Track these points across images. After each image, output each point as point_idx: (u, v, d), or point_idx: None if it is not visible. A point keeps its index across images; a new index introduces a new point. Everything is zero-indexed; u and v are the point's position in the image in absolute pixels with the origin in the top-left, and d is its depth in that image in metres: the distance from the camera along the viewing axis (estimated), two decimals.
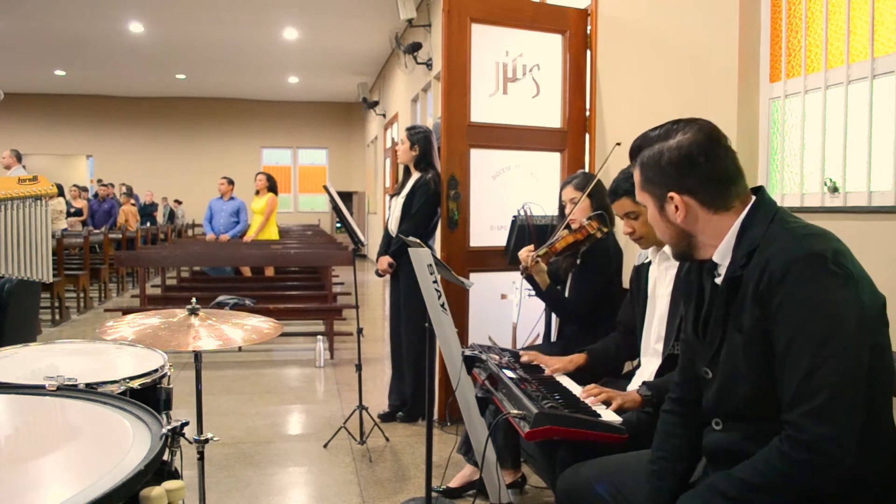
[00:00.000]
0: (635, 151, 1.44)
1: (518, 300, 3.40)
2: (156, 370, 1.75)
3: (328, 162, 17.40)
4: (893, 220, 2.14)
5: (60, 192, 9.70)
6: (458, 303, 3.52)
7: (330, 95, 15.99)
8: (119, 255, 6.68)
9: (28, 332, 3.50)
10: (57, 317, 6.94)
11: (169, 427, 1.24)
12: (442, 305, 2.25)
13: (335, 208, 3.63)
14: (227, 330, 1.91)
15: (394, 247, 3.77)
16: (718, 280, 1.39)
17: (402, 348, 3.84)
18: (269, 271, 7.85)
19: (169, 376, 1.79)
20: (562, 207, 2.95)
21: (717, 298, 1.38)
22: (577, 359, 2.37)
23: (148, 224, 12.95)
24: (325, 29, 10.19)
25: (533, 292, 2.97)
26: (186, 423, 1.38)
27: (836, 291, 1.20)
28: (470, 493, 2.80)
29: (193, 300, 2.01)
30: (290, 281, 7.54)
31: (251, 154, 16.65)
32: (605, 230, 2.69)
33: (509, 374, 2.15)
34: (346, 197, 15.61)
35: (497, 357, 2.36)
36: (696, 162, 1.35)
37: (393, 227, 3.83)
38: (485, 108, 3.71)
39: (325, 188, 3.67)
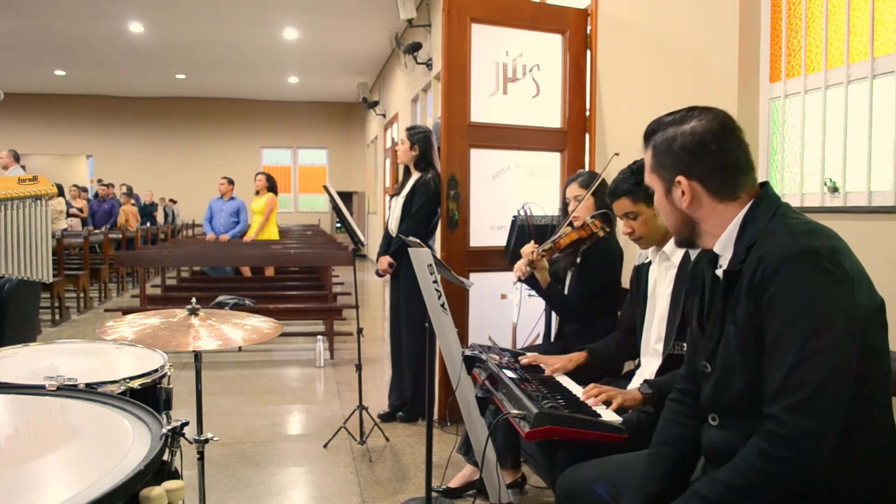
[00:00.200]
0: (649, 135, 1.45)
1: (518, 300, 3.40)
2: (156, 370, 1.75)
3: (328, 162, 17.40)
4: (893, 220, 2.14)
5: (60, 192, 9.70)
6: (458, 303, 3.52)
7: (330, 95, 16.00)
8: (119, 255, 6.68)
9: (28, 332, 3.50)
10: (57, 317, 6.94)
11: (169, 427, 1.24)
12: (442, 305, 2.25)
13: (335, 208, 3.63)
14: (227, 330, 1.90)
15: (394, 247, 3.77)
16: (719, 272, 1.39)
17: (402, 348, 3.84)
18: (269, 271, 7.85)
19: (169, 376, 1.79)
20: (565, 204, 2.95)
21: (716, 292, 1.38)
22: (577, 357, 2.37)
23: (148, 224, 12.95)
24: (325, 29, 10.19)
25: (533, 292, 2.97)
26: (186, 423, 1.38)
27: (828, 289, 1.20)
28: (470, 493, 2.80)
29: (193, 300, 2.01)
30: (290, 281, 7.54)
31: (251, 154, 16.65)
32: (608, 229, 2.69)
33: (509, 374, 2.15)
34: (346, 197, 15.61)
35: (497, 357, 2.36)
36: (708, 149, 1.35)
37: (393, 228, 3.83)
38: (485, 108, 3.71)
39: (325, 188, 3.68)
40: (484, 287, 3.63)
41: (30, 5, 9.02)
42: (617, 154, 2.72)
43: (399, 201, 3.82)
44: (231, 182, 7.97)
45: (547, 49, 3.85)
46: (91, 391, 1.48)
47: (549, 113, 3.87)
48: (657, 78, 3.33)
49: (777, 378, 1.21)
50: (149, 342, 1.83)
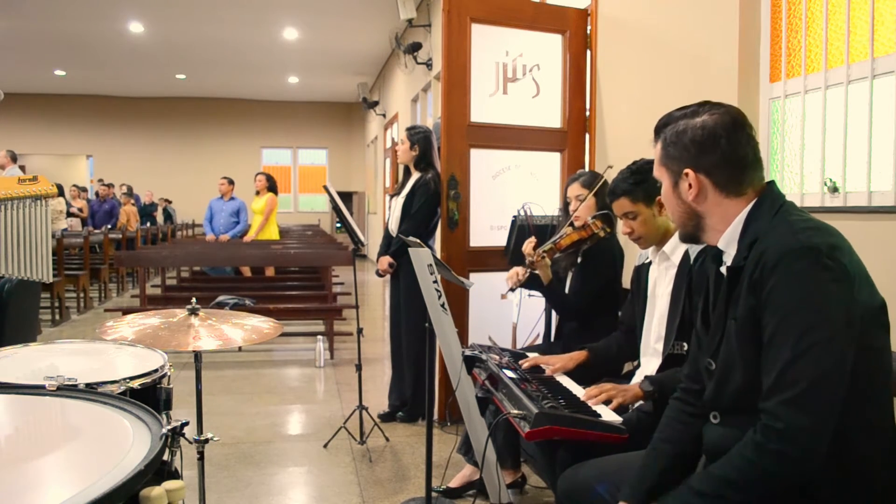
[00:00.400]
0: (660, 128, 1.45)
1: (518, 300, 3.40)
2: (156, 370, 1.75)
3: (328, 162, 17.40)
4: (893, 220, 2.14)
5: (60, 192, 9.70)
6: (458, 303, 3.52)
7: (330, 95, 15.99)
8: (119, 255, 6.68)
9: (28, 332, 3.50)
10: (57, 317, 6.94)
11: (169, 427, 1.24)
12: (442, 305, 2.25)
13: (335, 208, 3.63)
14: (227, 330, 1.91)
15: (394, 247, 3.77)
16: (723, 269, 1.39)
17: (402, 348, 3.84)
18: (269, 271, 7.85)
19: (169, 376, 1.79)
20: (566, 204, 2.95)
21: (720, 289, 1.38)
22: (578, 356, 2.37)
23: (148, 224, 12.95)
24: (325, 29, 10.19)
25: (533, 292, 2.98)
26: (186, 423, 1.38)
27: (826, 285, 1.20)
28: (470, 493, 2.80)
29: (193, 300, 2.01)
30: (290, 281, 7.54)
31: (251, 154, 16.64)
32: (609, 230, 2.69)
33: (509, 374, 2.15)
34: (346, 197, 15.60)
35: (497, 357, 2.36)
36: (717, 143, 1.36)
37: (393, 227, 3.83)
38: (485, 108, 3.71)
39: (325, 188, 3.68)
40: (484, 287, 3.63)
41: (30, 5, 9.02)
42: (611, 167, 2.73)
43: (399, 201, 3.82)
44: (231, 182, 7.98)
45: (547, 49, 3.85)
46: (91, 391, 1.48)
47: (549, 113, 3.87)
48: (657, 78, 3.33)
49: (773, 373, 1.21)
50: (149, 342, 1.83)
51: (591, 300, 2.76)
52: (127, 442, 1.16)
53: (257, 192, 7.72)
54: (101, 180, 12.89)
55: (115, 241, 9.65)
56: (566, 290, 2.89)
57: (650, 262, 2.24)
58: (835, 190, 2.44)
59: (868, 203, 2.29)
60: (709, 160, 1.37)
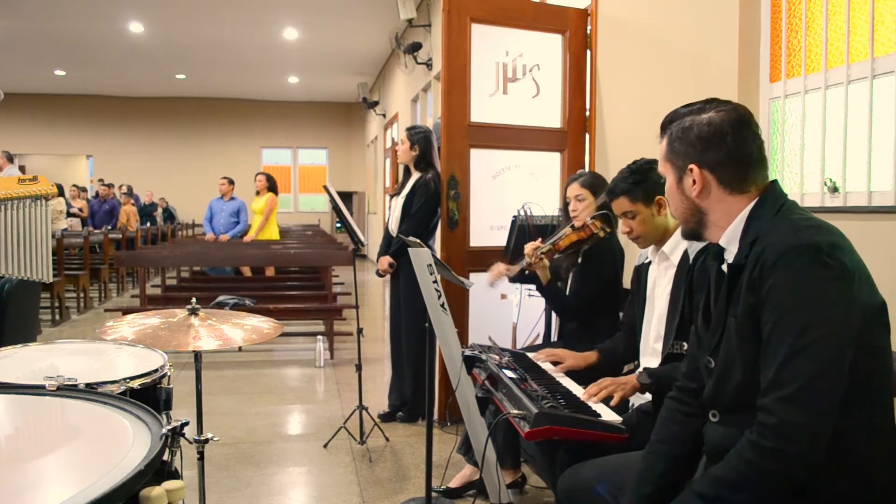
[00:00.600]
0: (666, 125, 1.46)
1: (518, 300, 3.40)
2: (156, 370, 1.75)
3: (328, 162, 17.40)
4: (893, 220, 2.14)
5: (60, 192, 9.70)
6: (458, 303, 3.52)
7: (330, 95, 15.99)
8: (119, 255, 6.68)
9: (28, 332, 3.50)
10: (57, 317, 6.94)
11: (169, 427, 1.24)
12: (442, 305, 2.25)
13: (335, 208, 3.63)
14: (227, 330, 1.90)
15: (394, 247, 3.77)
16: (724, 267, 1.39)
17: (402, 348, 3.84)
18: (270, 271, 7.85)
19: (169, 376, 1.79)
20: (566, 204, 2.95)
21: (720, 287, 1.39)
22: (589, 356, 2.37)
23: (148, 224, 12.95)
24: (325, 29, 10.19)
25: (533, 292, 2.98)
26: (186, 423, 1.38)
27: (826, 283, 1.20)
28: (470, 493, 2.80)
29: (193, 300, 2.01)
30: (290, 281, 7.54)
31: (251, 154, 16.64)
32: (609, 230, 2.69)
33: (509, 374, 2.15)
34: (346, 197, 15.60)
35: (497, 357, 2.36)
36: (723, 139, 1.36)
37: (393, 228, 3.83)
38: (485, 108, 3.71)
39: (325, 188, 3.68)
40: (484, 287, 3.62)
41: (30, 5, 9.02)
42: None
43: (399, 201, 3.82)
44: (231, 182, 7.98)
45: (547, 49, 3.85)
46: (91, 391, 1.48)
47: (549, 113, 3.87)
48: (657, 78, 3.33)
49: (771, 370, 1.21)
50: (149, 342, 1.83)
51: (591, 300, 2.75)
52: (127, 442, 1.16)
53: (257, 192, 7.72)
54: (101, 180, 12.89)
55: (115, 241, 9.65)
56: (567, 291, 2.89)
57: (650, 262, 2.24)
58: (835, 190, 2.44)
59: (868, 203, 2.29)
60: (714, 156, 1.37)
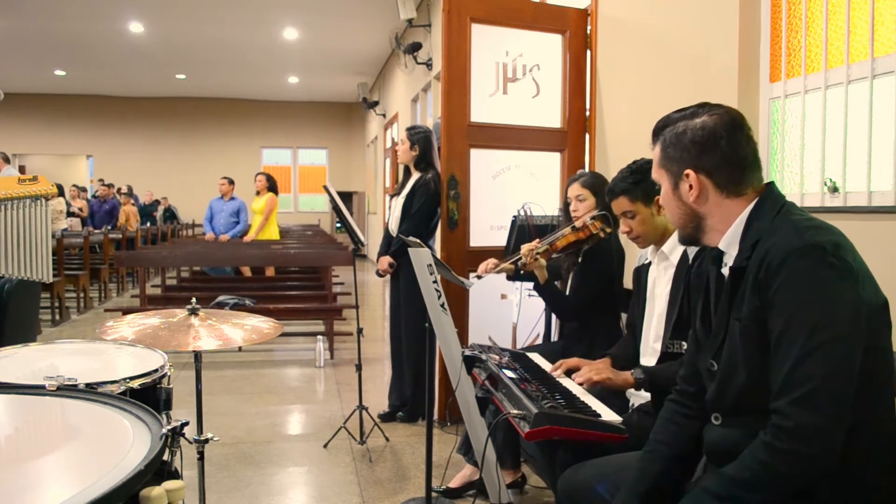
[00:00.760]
0: (658, 130, 1.45)
1: (518, 300, 3.40)
2: (156, 370, 1.75)
3: (328, 162, 17.40)
4: (893, 220, 2.14)
5: (60, 192, 9.70)
6: (458, 303, 3.52)
7: (330, 95, 15.99)
8: (119, 255, 6.68)
9: (28, 332, 3.50)
10: (57, 317, 6.94)
11: (169, 427, 1.24)
12: (442, 305, 2.25)
13: (335, 208, 3.63)
14: (227, 330, 1.91)
15: (394, 247, 3.77)
16: (724, 270, 1.39)
17: (402, 348, 3.84)
18: (269, 271, 7.85)
19: (169, 376, 1.79)
20: (567, 204, 2.95)
21: (721, 290, 1.38)
22: (608, 362, 2.35)
23: (148, 224, 12.95)
24: (325, 29, 10.19)
25: (533, 292, 2.98)
26: (186, 423, 1.38)
27: (833, 283, 1.20)
28: (470, 493, 2.80)
29: (193, 300, 2.01)
30: (290, 281, 7.54)
31: (251, 154, 16.64)
32: (609, 230, 2.68)
33: (509, 374, 2.14)
34: (346, 197, 15.60)
35: (497, 357, 2.36)
36: (717, 143, 1.36)
37: (393, 228, 3.83)
38: (485, 108, 3.71)
39: (325, 188, 3.68)
40: (484, 287, 3.63)
41: (30, 5, 9.02)
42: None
43: (399, 201, 3.82)
44: (231, 182, 7.98)
45: (547, 49, 3.85)
46: (91, 391, 1.48)
47: (549, 113, 3.87)
48: (657, 78, 3.33)
49: (782, 372, 1.21)
50: (149, 342, 1.83)
51: (589, 300, 2.75)
52: (127, 442, 1.16)
53: (257, 192, 7.72)
54: (101, 180, 12.89)
55: (115, 241, 9.65)
56: (567, 291, 2.89)
57: (650, 263, 2.24)
58: (835, 190, 2.44)
59: (868, 203, 2.29)
60: (709, 161, 1.37)
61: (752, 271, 1.28)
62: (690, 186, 1.38)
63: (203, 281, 7.61)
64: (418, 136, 3.79)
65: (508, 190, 3.78)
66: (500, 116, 3.75)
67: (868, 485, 1.27)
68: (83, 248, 8.16)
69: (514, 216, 3.41)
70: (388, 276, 3.88)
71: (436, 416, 3.62)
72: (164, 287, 7.32)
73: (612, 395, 2.15)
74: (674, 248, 2.11)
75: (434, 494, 2.71)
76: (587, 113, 3.91)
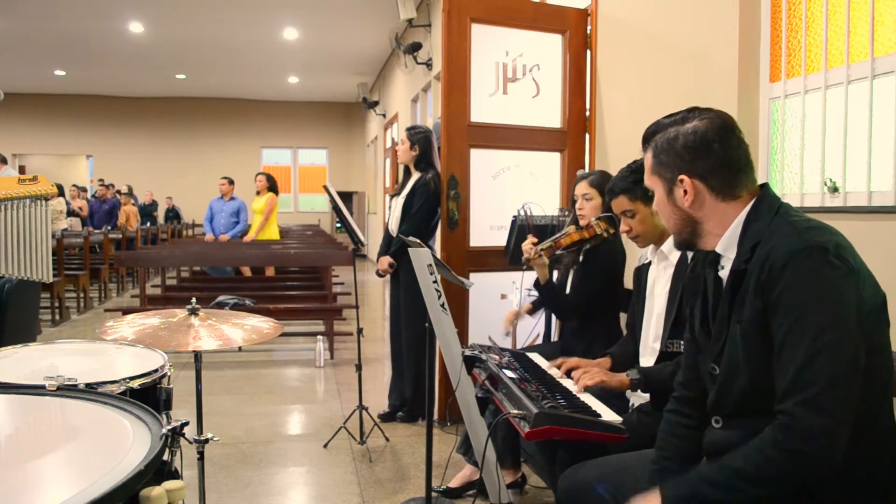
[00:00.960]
0: (648, 137, 1.45)
1: (518, 300, 3.40)
2: (156, 370, 1.75)
3: (328, 162, 17.40)
4: (893, 220, 2.14)
5: (60, 192, 9.70)
6: (458, 303, 3.52)
7: (330, 95, 15.99)
8: (119, 255, 6.68)
9: (28, 332, 3.50)
10: (57, 317, 6.94)
11: (169, 427, 1.24)
12: (442, 305, 2.25)
13: (335, 208, 3.63)
14: (227, 330, 1.91)
15: (394, 247, 3.77)
16: (722, 273, 1.39)
17: (402, 348, 3.84)
18: (270, 271, 7.85)
19: (169, 376, 1.79)
20: (573, 202, 2.95)
21: (721, 293, 1.38)
22: (604, 362, 2.35)
23: (148, 224, 12.95)
24: (325, 29, 10.19)
25: (533, 293, 2.98)
26: (186, 423, 1.38)
27: (836, 283, 1.21)
28: (470, 493, 2.80)
29: (193, 300, 2.01)
30: (290, 281, 7.54)
31: (251, 154, 16.65)
32: (612, 231, 2.68)
33: (509, 374, 2.14)
34: (346, 197, 15.61)
35: (497, 357, 2.36)
36: (710, 147, 1.35)
37: (393, 228, 3.83)
38: (485, 108, 3.71)
39: (325, 188, 3.68)
40: (484, 287, 3.63)
41: (30, 5, 9.02)
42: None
43: (399, 201, 3.82)
44: (231, 182, 7.98)
45: (547, 49, 3.85)
46: (91, 391, 1.49)
47: (549, 113, 3.87)
48: (657, 78, 3.33)
49: (789, 374, 1.20)
50: (149, 342, 1.83)
51: (589, 300, 2.75)
52: (127, 442, 1.16)
53: (258, 192, 7.72)
54: (101, 180, 12.88)
55: (115, 241, 9.65)
56: (567, 289, 2.89)
57: (650, 263, 2.24)
58: (835, 190, 2.44)
59: (868, 203, 2.29)
60: (703, 165, 1.36)
61: (753, 274, 1.28)
62: (685, 192, 1.38)
63: (203, 281, 7.60)
64: (418, 136, 3.79)
65: (508, 190, 3.78)
66: (500, 116, 3.75)
67: (867, 482, 1.27)
68: (83, 248, 8.16)
69: (514, 216, 3.40)
70: (388, 276, 3.88)
71: (436, 416, 3.62)
72: (164, 287, 7.32)
73: (612, 395, 2.15)
74: (673, 248, 2.11)
75: (434, 494, 2.71)
76: (587, 113, 3.91)
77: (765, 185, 1.39)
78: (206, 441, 2.02)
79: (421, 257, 2.28)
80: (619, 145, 3.64)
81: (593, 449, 1.80)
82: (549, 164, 3.91)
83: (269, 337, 1.94)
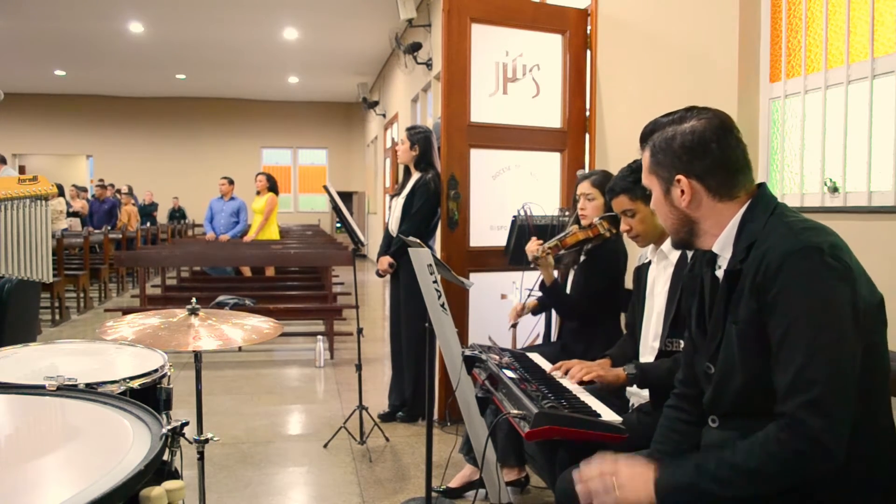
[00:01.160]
0: (646, 136, 1.45)
1: (518, 300, 3.39)
2: (156, 370, 1.74)
3: (328, 162, 17.41)
4: (893, 220, 2.14)
5: (60, 192, 9.70)
6: (458, 303, 3.52)
7: (330, 95, 15.99)
8: (119, 255, 6.69)
9: (28, 332, 3.50)
10: (57, 317, 6.94)
11: (169, 427, 1.24)
12: (442, 305, 2.25)
13: (335, 208, 3.63)
14: (227, 330, 1.90)
15: (394, 247, 3.77)
16: (719, 273, 1.39)
17: (402, 348, 3.84)
18: (269, 271, 7.85)
19: (169, 376, 1.79)
20: (575, 201, 2.94)
21: (717, 292, 1.38)
22: (604, 364, 2.35)
23: (148, 224, 12.94)
24: (325, 29, 10.19)
25: (534, 293, 2.97)
26: (186, 423, 1.38)
27: (832, 284, 1.21)
28: (470, 493, 2.80)
29: (193, 300, 2.01)
30: (290, 281, 7.54)
31: (251, 154, 16.65)
32: (615, 231, 2.68)
33: (509, 374, 2.14)
34: (346, 197, 15.61)
35: (497, 357, 2.35)
36: (708, 147, 1.35)
37: (393, 228, 3.83)
38: (485, 108, 3.71)
39: (325, 188, 3.68)
40: (484, 287, 3.63)
41: (30, 5, 9.02)
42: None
43: (399, 201, 3.82)
44: (231, 182, 7.98)
45: (547, 49, 3.85)
46: (91, 391, 1.48)
47: (549, 113, 3.87)
48: (657, 78, 3.33)
49: (788, 375, 1.20)
50: (149, 342, 1.83)
51: (593, 301, 2.75)
52: (127, 442, 1.16)
53: (258, 192, 7.72)
54: (101, 181, 12.87)
55: (115, 241, 9.65)
56: (568, 289, 2.89)
57: (650, 262, 2.24)
58: (835, 190, 2.44)
59: (868, 203, 2.29)
60: (701, 165, 1.36)
61: (748, 274, 1.28)
62: (682, 192, 1.38)
63: (203, 281, 7.60)
64: (418, 136, 3.79)
65: (508, 190, 3.78)
66: (500, 116, 3.75)
67: (865, 481, 1.27)
68: (83, 248, 8.16)
69: (514, 216, 3.41)
70: (388, 276, 3.88)
71: (436, 416, 3.62)
72: (164, 287, 7.32)
73: (612, 395, 2.15)
74: (672, 248, 2.12)
75: (434, 494, 2.71)
76: (587, 113, 3.91)
77: (761, 185, 1.39)
78: (206, 441, 2.02)
79: (421, 257, 2.28)
80: (619, 145, 3.64)
81: (593, 449, 1.80)
82: (549, 164, 3.91)
83: (269, 337, 1.94)
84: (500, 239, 3.60)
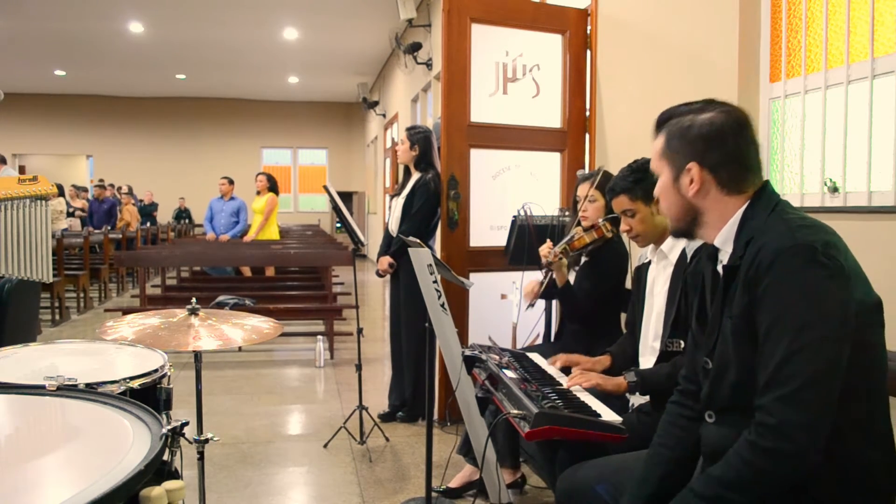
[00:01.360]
0: (663, 121, 1.44)
1: (518, 300, 3.39)
2: (156, 370, 1.74)
3: (328, 162, 17.41)
4: (893, 220, 2.14)
5: (60, 192, 9.70)
6: (458, 303, 3.52)
7: (330, 95, 16.00)
8: (119, 255, 6.68)
9: (28, 332, 3.50)
10: (57, 317, 6.94)
11: (169, 427, 1.24)
12: (442, 305, 2.25)
13: (335, 208, 3.63)
14: (227, 330, 1.90)
15: (394, 247, 3.77)
16: (720, 268, 1.39)
17: (402, 348, 3.84)
18: (270, 271, 7.86)
19: (169, 376, 1.79)
20: (575, 203, 2.94)
21: (716, 288, 1.38)
22: (604, 360, 2.36)
23: (148, 224, 12.94)
24: (325, 29, 10.19)
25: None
26: (186, 423, 1.38)
27: (822, 282, 1.20)
28: (470, 493, 2.80)
29: (193, 300, 2.01)
30: (290, 281, 7.54)
31: (251, 154, 16.65)
32: (616, 232, 2.68)
33: (509, 374, 2.14)
34: (346, 197, 15.61)
35: (497, 357, 2.35)
36: (724, 139, 1.36)
37: (393, 228, 3.83)
38: (485, 108, 3.71)
39: (325, 188, 3.68)
40: (484, 287, 3.63)
41: (30, 5, 9.02)
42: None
43: (399, 201, 3.82)
44: (231, 182, 7.98)
45: (547, 49, 3.85)
46: (91, 391, 1.48)
47: (549, 113, 3.87)
48: (657, 78, 3.33)
49: (769, 369, 1.21)
50: (149, 342, 1.83)
51: (597, 302, 2.75)
52: (127, 442, 1.16)
53: (258, 192, 7.72)
54: (100, 181, 12.87)
55: (115, 241, 9.65)
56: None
57: (650, 262, 2.24)
58: (835, 190, 2.44)
59: (868, 203, 2.29)
60: (714, 157, 1.36)
61: (743, 269, 1.28)
62: (692, 180, 1.38)
63: (203, 281, 7.61)
64: (418, 136, 3.79)
65: (508, 190, 3.78)
66: (500, 116, 3.75)
67: (863, 484, 1.26)
68: (83, 248, 8.16)
69: (514, 216, 3.40)
70: (388, 276, 3.88)
71: (436, 416, 3.62)
72: (164, 287, 7.33)
73: (611, 394, 2.15)
74: (672, 247, 2.12)
75: (434, 494, 2.71)
76: (587, 113, 3.91)
77: (765, 182, 1.39)
78: (206, 441, 2.02)
79: (421, 257, 2.28)
80: (619, 145, 3.65)
81: (593, 449, 1.80)
82: (549, 164, 3.91)
83: (269, 337, 1.94)
84: (500, 239, 3.60)
